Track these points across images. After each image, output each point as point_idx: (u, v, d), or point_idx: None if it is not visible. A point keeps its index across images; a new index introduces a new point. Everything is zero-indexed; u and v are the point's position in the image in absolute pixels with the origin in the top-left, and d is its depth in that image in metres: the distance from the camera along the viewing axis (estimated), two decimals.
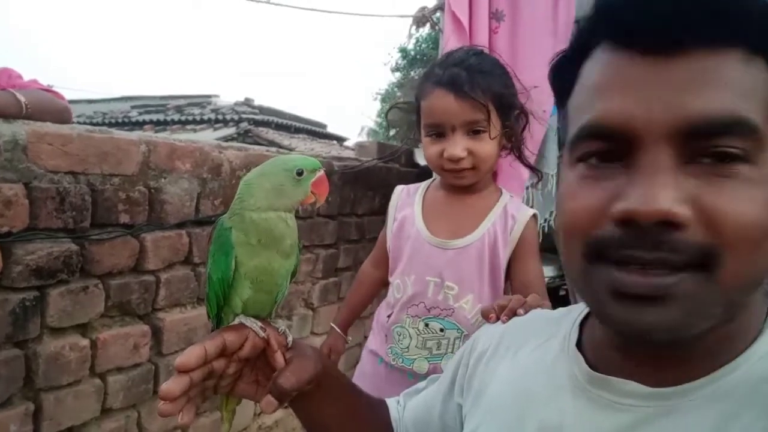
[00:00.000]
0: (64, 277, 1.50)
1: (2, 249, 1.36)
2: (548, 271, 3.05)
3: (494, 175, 2.29)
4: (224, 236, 0.71)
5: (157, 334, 1.79)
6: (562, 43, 2.25)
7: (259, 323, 0.71)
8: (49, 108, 1.51)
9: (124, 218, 1.64)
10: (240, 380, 0.73)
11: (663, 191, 0.42)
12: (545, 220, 2.59)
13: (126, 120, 10.68)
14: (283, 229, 0.71)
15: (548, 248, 2.88)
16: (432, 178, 1.49)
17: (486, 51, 1.41)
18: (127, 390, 1.71)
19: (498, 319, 0.82)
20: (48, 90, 1.59)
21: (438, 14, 2.26)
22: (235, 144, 2.10)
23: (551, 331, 0.66)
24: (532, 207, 2.49)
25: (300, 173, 0.71)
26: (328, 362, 0.77)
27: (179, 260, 1.85)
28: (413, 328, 1.36)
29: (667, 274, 0.43)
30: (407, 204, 1.46)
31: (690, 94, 0.42)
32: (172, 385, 0.61)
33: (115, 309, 1.66)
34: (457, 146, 1.25)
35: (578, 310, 0.65)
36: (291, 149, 8.14)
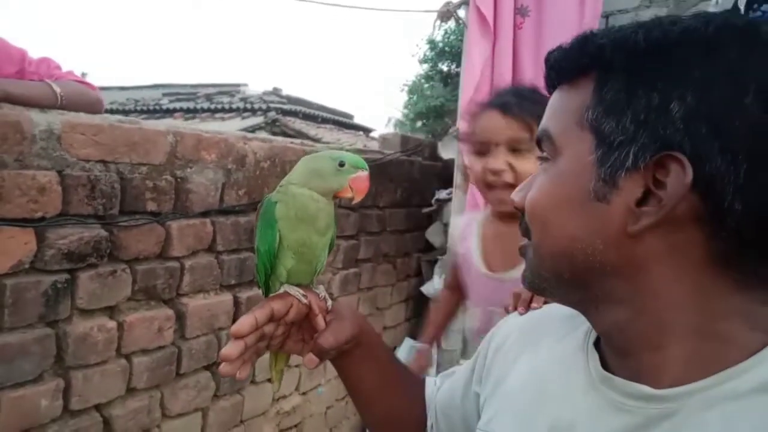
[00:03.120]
0: (94, 261, 1.57)
1: (36, 233, 1.43)
2: None
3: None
4: (269, 211, 0.80)
5: (180, 318, 1.85)
6: None
7: (302, 291, 0.80)
8: (83, 99, 1.57)
9: (151, 206, 1.70)
10: (288, 339, 0.83)
11: (520, 187, 0.62)
12: None
13: (157, 107, 10.86)
14: (314, 208, 0.78)
15: None
16: (487, 210, 1.52)
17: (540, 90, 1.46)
18: (151, 371, 1.78)
19: (515, 309, 0.84)
20: (82, 81, 1.65)
21: (462, 9, 2.26)
22: (259, 135, 2.14)
23: (571, 326, 0.66)
24: None
25: (342, 164, 0.78)
26: (367, 327, 0.86)
27: (203, 248, 1.90)
28: None
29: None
30: (467, 236, 1.52)
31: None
32: (230, 349, 0.71)
33: (141, 293, 1.72)
34: (499, 159, 1.29)
35: None
36: (317, 139, 8.19)
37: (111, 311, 1.66)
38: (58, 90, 1.50)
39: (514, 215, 1.37)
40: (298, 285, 0.82)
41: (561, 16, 2.17)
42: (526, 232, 0.60)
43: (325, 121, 11.29)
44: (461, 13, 2.26)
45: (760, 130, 0.45)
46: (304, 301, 0.79)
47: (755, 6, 2.02)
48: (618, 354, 0.55)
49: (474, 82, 2.10)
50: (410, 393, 0.89)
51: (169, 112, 10.56)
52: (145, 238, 1.70)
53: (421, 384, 0.91)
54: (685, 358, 0.50)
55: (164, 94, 11.88)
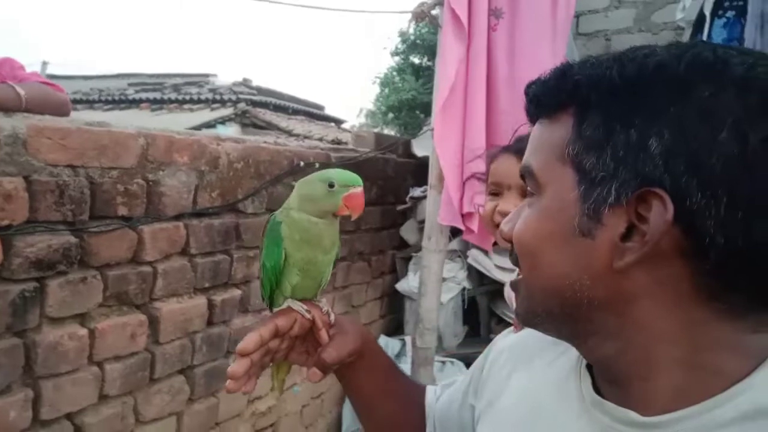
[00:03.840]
0: (63, 269, 1.53)
1: (3, 241, 1.38)
2: None
3: (463, 185, 2.31)
4: (275, 230, 0.81)
5: (153, 323, 1.82)
6: (561, 41, 2.27)
7: (305, 306, 0.81)
8: (48, 101, 1.52)
9: (123, 210, 1.66)
10: (292, 351, 0.85)
11: (509, 217, 0.62)
12: None
13: (123, 98, 10.58)
14: (315, 231, 0.80)
15: None
16: None
17: None
18: (124, 378, 1.75)
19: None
20: (47, 83, 1.60)
21: (437, 9, 2.26)
22: (232, 135, 2.12)
23: (565, 345, 0.66)
24: None
25: (331, 185, 0.78)
26: (369, 338, 0.88)
27: (176, 251, 1.88)
28: None
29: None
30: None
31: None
32: (236, 367, 0.74)
33: (113, 299, 1.69)
34: (509, 202, 1.28)
35: None
36: (288, 131, 8.10)
37: (82, 318, 1.62)
38: (21, 92, 1.45)
39: None
40: (302, 299, 0.84)
41: (534, 18, 2.19)
42: (517, 263, 0.60)
43: (296, 112, 11.17)
44: (435, 12, 2.26)
45: (736, 166, 0.45)
46: (308, 316, 0.80)
47: (720, 12, 2.07)
48: (608, 382, 0.56)
49: (449, 84, 2.11)
50: (410, 401, 0.91)
51: (135, 103, 10.30)
52: (117, 243, 1.66)
53: (422, 392, 0.92)
54: (674, 387, 0.51)
55: (130, 84, 11.57)
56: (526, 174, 0.58)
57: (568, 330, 0.57)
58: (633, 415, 0.52)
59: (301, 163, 2.43)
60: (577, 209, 0.51)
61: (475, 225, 2.27)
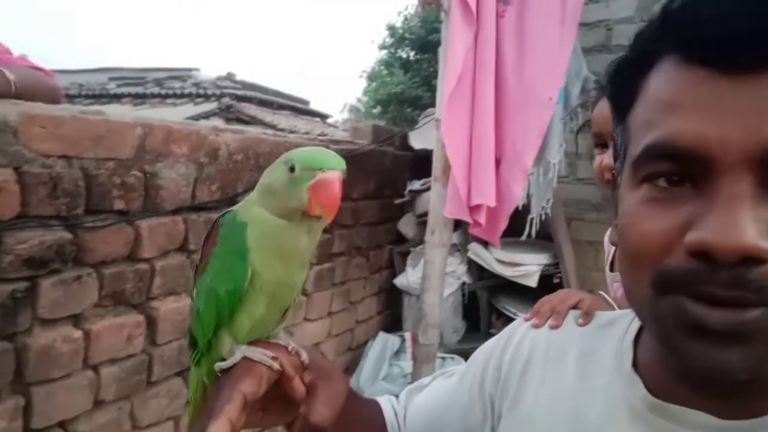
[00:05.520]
0: (57, 267, 1.43)
1: None
2: (542, 259, 3.05)
3: (497, 162, 2.25)
4: (237, 235, 0.54)
5: (151, 323, 1.73)
6: (570, 29, 2.21)
7: (268, 352, 0.55)
8: (39, 87, 1.41)
9: (119, 204, 1.57)
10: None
11: (745, 224, 0.38)
12: (542, 207, 2.57)
13: (104, 92, 10.33)
14: (287, 237, 0.54)
15: (544, 236, 2.88)
16: None
17: None
18: (120, 381, 1.66)
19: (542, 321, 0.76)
20: (37, 68, 1.49)
21: None
22: (231, 126, 2.02)
23: (595, 342, 0.60)
24: (531, 194, 2.47)
25: (292, 169, 0.51)
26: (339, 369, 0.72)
27: (175, 248, 1.78)
28: None
29: (744, 310, 0.39)
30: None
31: None
32: None
33: (109, 298, 1.59)
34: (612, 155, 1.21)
35: (626, 321, 0.61)
36: (273, 126, 7.98)
37: (76, 320, 1.52)
38: (11, 77, 1.34)
39: None
40: (254, 341, 0.57)
41: (543, 7, 2.13)
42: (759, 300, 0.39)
43: (281, 107, 11.04)
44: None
45: None
46: (276, 367, 0.55)
47: None
48: (728, 396, 0.47)
49: (457, 72, 2.04)
50: (373, 423, 0.77)
51: (116, 98, 10.06)
52: (113, 239, 1.56)
53: (377, 406, 0.79)
54: None
55: (110, 79, 11.32)
56: None
57: None
58: (710, 418, 0.46)
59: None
60: None
61: (482, 218, 2.21)
